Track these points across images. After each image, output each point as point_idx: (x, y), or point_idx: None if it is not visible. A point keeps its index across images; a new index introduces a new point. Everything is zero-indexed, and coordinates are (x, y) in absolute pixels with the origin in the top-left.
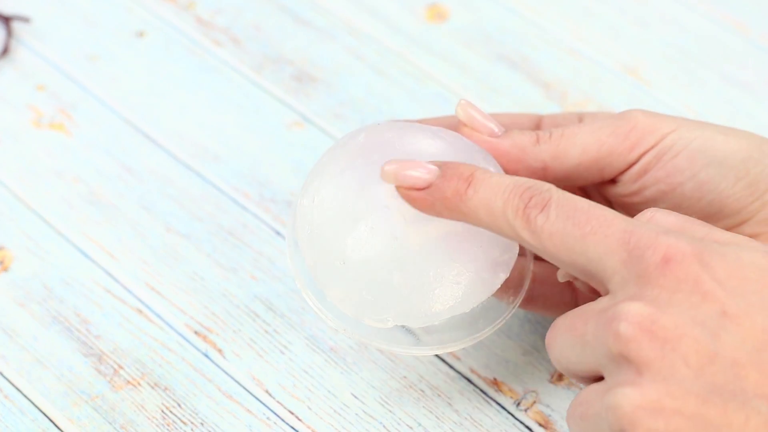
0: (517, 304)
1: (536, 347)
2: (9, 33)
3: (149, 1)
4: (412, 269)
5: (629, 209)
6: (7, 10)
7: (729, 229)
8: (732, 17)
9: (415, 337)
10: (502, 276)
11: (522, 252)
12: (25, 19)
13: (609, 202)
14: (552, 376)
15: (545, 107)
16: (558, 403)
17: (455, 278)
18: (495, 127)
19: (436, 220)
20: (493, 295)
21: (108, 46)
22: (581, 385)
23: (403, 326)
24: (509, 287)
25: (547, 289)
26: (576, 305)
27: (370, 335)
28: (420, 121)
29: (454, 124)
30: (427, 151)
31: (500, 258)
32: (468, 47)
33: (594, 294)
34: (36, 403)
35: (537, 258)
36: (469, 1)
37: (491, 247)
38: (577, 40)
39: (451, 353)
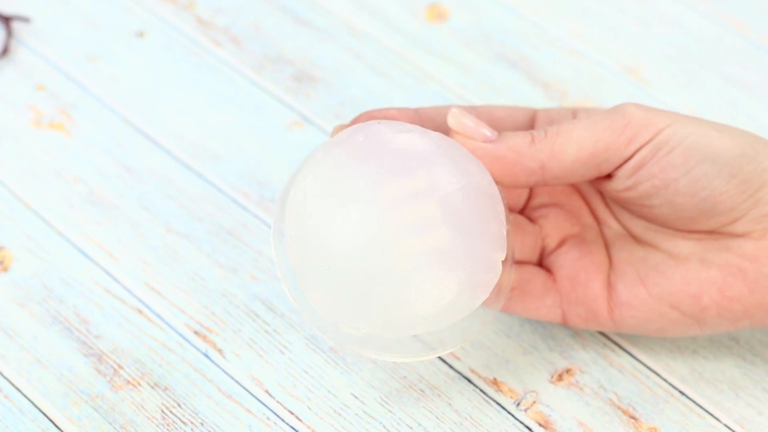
0: (494, 315)
1: (536, 347)
2: (9, 33)
3: (149, 1)
4: (395, 284)
5: (624, 204)
6: (7, 10)
7: (721, 226)
8: (732, 17)
9: (404, 343)
10: (482, 297)
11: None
12: (25, 19)
13: (603, 197)
14: (552, 376)
15: (545, 107)
16: (558, 403)
17: (436, 297)
18: (488, 132)
19: (425, 235)
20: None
21: (108, 46)
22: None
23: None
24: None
25: (526, 295)
26: (560, 307)
27: (346, 337)
28: (418, 110)
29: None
30: (423, 159)
31: (482, 279)
32: (468, 47)
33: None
34: (36, 403)
35: (517, 262)
36: (469, 1)
37: (475, 267)
38: (577, 40)
39: (451, 353)
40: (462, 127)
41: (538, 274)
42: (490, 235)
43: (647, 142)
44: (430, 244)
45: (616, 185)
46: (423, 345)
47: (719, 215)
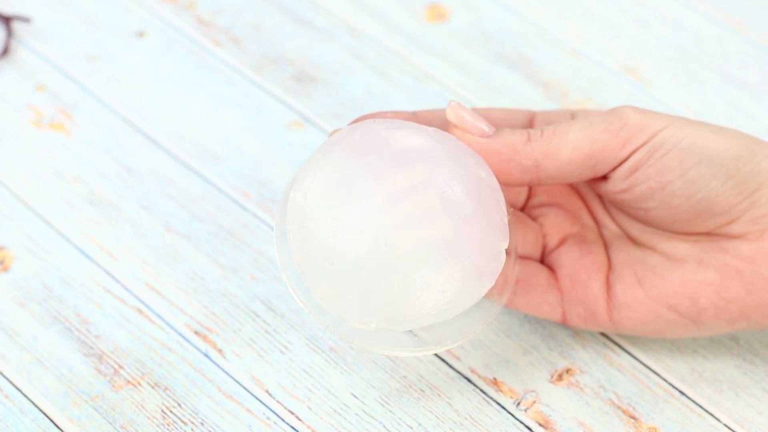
0: (500, 307)
1: (536, 347)
2: (9, 33)
3: (149, 1)
4: (400, 276)
5: (620, 206)
6: (7, 10)
7: (718, 228)
8: (732, 17)
9: (411, 337)
10: (488, 285)
11: (507, 251)
12: (25, 19)
13: (600, 199)
14: (552, 376)
15: (545, 107)
16: (558, 403)
17: (442, 287)
18: (486, 127)
19: (427, 226)
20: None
21: (108, 46)
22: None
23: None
24: (494, 287)
25: (530, 288)
26: (561, 305)
27: (353, 333)
28: (415, 113)
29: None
30: (421, 152)
31: (486, 267)
32: (468, 47)
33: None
34: (36, 403)
35: (521, 256)
36: (469, 1)
37: (478, 256)
38: (577, 40)
39: (450, 353)
40: (460, 120)
41: (541, 270)
42: (492, 223)
43: (643, 145)
44: (432, 234)
45: (612, 187)
46: (430, 340)
47: (716, 217)
